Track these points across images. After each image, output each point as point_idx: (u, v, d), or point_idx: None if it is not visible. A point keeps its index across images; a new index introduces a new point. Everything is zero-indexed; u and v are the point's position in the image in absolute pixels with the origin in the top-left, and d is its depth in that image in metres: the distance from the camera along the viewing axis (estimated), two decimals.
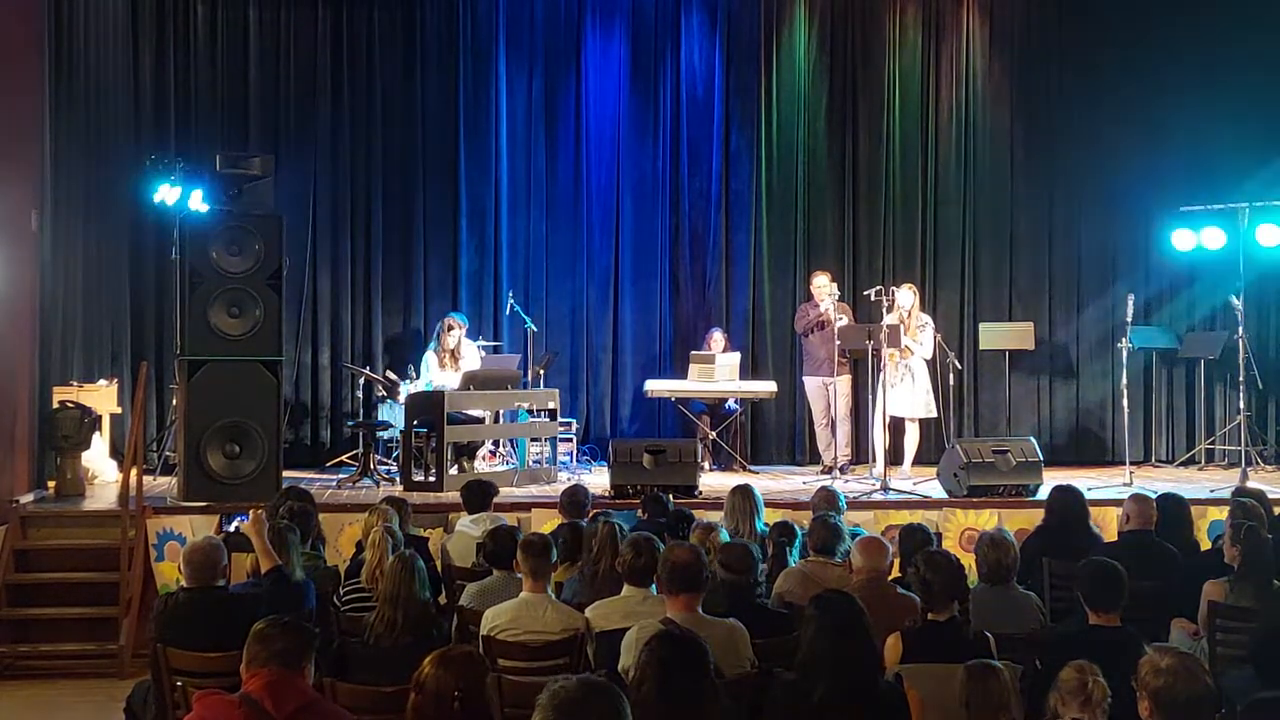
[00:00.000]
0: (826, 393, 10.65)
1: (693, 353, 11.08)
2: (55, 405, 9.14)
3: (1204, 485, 9.63)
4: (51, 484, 9.10)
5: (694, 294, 11.97)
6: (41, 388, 9.21)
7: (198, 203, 8.92)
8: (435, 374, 10.25)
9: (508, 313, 11.27)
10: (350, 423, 10.81)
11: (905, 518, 8.09)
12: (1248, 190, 10.86)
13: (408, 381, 10.39)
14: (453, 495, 7.73)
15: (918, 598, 4.75)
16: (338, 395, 11.41)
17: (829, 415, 10.71)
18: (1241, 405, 10.17)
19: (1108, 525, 7.66)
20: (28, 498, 8.68)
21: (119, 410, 10.11)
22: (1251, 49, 11.51)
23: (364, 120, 11.49)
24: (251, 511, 5.61)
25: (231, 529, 5.57)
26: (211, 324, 8.52)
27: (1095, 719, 3.53)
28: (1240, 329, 10.08)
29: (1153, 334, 11.50)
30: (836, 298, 10.63)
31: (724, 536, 5.78)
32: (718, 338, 11.21)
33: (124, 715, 5.23)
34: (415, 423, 9.43)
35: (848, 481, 9.90)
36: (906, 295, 10.32)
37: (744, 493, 6.56)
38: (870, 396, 10.18)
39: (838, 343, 10.21)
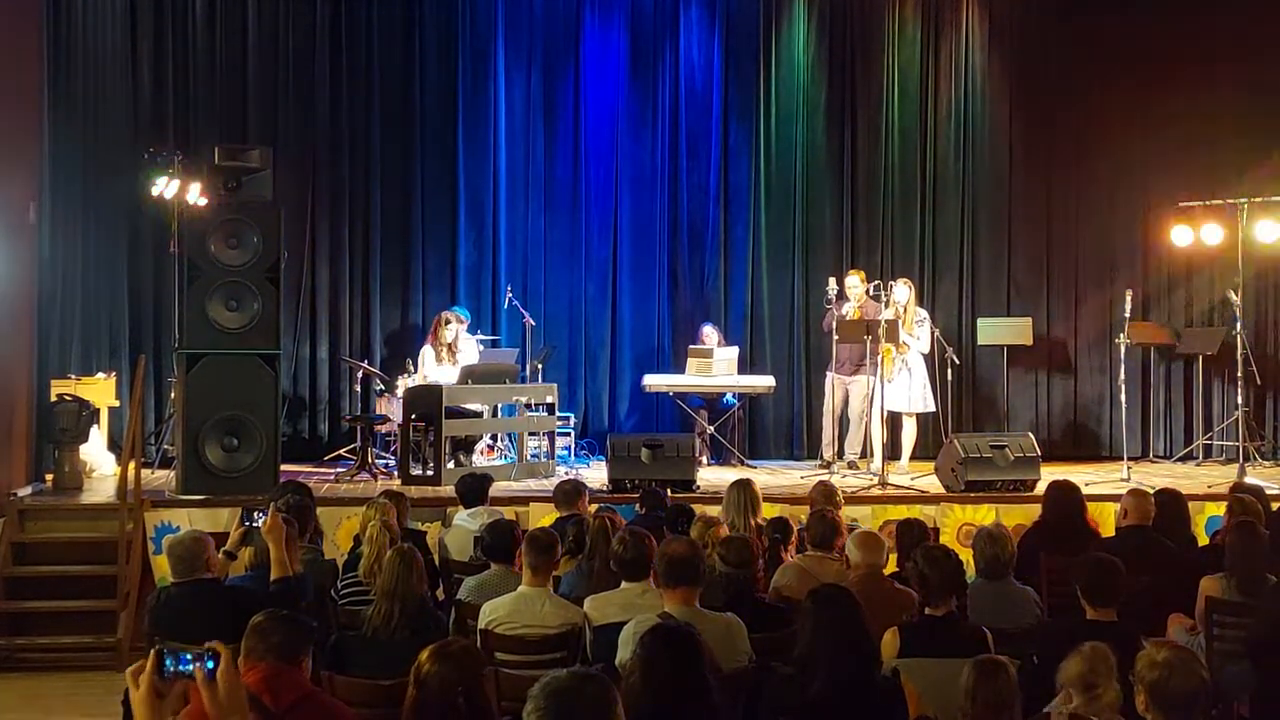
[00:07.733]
0: (838, 390, 10.60)
1: (691, 347, 11.05)
2: (53, 398, 9.14)
3: (1201, 481, 9.63)
4: (49, 477, 9.09)
5: (692, 288, 11.95)
6: (39, 381, 9.21)
7: (196, 195, 8.91)
8: (431, 368, 10.24)
9: (506, 307, 11.24)
10: (348, 416, 10.81)
11: (903, 513, 8.09)
12: (1246, 186, 10.86)
13: (405, 375, 10.38)
14: (450, 489, 7.73)
15: (915, 592, 4.75)
16: (336, 389, 11.39)
17: (835, 412, 10.69)
18: (1239, 401, 10.17)
19: (1105, 520, 7.66)
20: (25, 491, 8.68)
21: (117, 403, 10.11)
22: (1250, 43, 11.51)
23: (363, 113, 11.46)
24: (270, 515, 5.21)
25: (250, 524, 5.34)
26: (210, 317, 8.52)
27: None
28: (1238, 324, 10.09)
29: (1151, 330, 11.49)
30: (870, 297, 10.35)
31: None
32: (708, 332, 11.16)
33: (121, 708, 5.22)
34: (413, 417, 9.43)
35: (845, 476, 9.90)
36: (903, 290, 10.31)
37: (742, 487, 6.56)
38: (868, 392, 10.19)
39: (835, 338, 10.19)
